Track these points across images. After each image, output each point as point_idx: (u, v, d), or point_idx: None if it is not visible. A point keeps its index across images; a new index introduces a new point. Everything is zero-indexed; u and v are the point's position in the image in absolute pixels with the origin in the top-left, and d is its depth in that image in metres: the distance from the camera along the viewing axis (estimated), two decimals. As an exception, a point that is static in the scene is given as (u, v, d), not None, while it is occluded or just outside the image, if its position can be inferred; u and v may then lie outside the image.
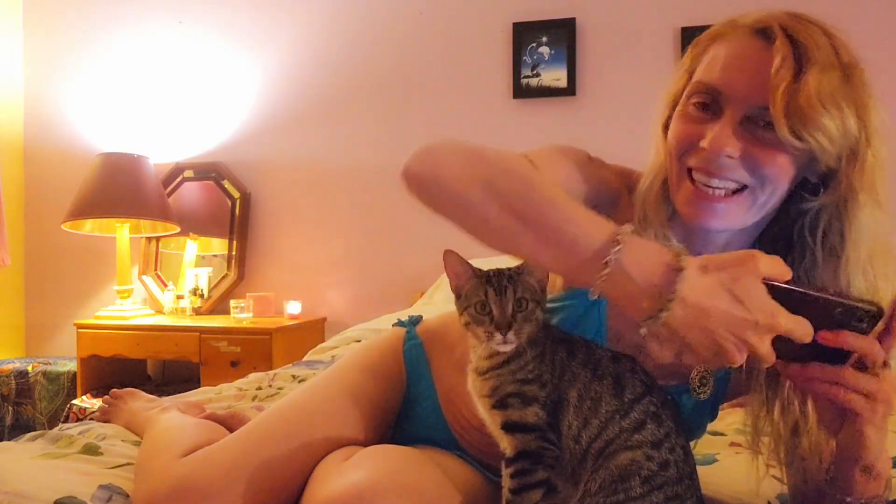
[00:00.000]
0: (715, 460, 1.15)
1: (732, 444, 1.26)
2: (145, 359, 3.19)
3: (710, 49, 0.83)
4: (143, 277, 3.32)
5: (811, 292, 0.68)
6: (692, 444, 0.91)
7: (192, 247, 3.26)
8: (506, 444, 0.79)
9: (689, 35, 2.60)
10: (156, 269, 3.34)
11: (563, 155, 0.90)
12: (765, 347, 0.65)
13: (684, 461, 0.76)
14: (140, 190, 2.96)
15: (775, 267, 0.67)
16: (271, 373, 1.85)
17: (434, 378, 1.06)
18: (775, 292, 0.65)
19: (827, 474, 0.78)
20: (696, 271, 0.65)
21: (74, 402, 2.82)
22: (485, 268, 0.82)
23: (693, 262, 0.65)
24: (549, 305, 0.94)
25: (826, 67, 0.74)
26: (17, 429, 2.90)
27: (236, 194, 3.20)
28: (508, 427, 0.79)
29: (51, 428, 1.30)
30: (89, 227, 3.12)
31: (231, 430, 1.07)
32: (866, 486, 0.75)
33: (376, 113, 3.10)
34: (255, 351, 2.74)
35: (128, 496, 0.93)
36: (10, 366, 3.03)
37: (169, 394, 1.58)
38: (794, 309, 0.65)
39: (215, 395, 1.62)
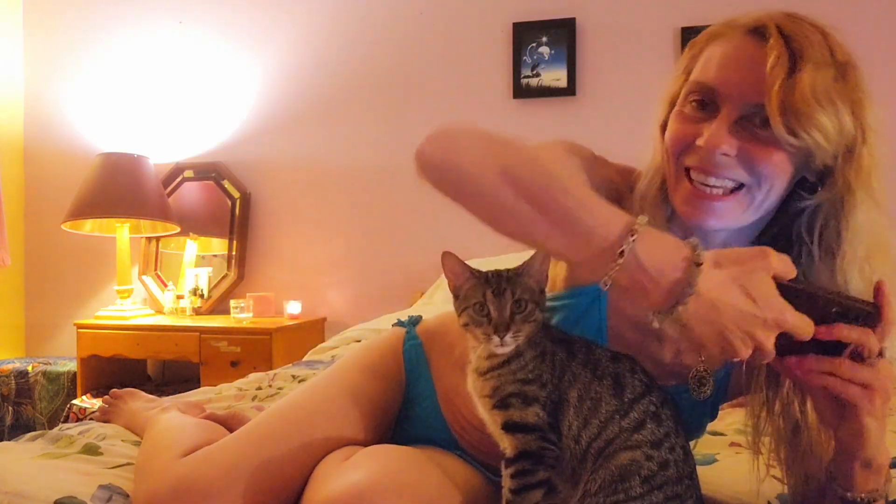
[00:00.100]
0: (715, 460, 1.15)
1: (732, 444, 1.26)
2: (145, 359, 3.19)
3: (706, 49, 0.84)
4: (143, 277, 3.32)
5: (811, 290, 0.69)
6: (692, 444, 0.91)
7: (192, 247, 3.26)
8: (506, 445, 0.79)
9: (689, 35, 2.59)
10: (156, 269, 3.34)
11: (568, 151, 0.90)
12: (770, 343, 0.66)
13: (684, 461, 0.76)
14: (140, 190, 2.96)
15: (784, 265, 0.67)
16: (271, 373, 1.85)
17: (434, 378, 1.06)
18: (780, 289, 0.66)
19: (827, 471, 0.79)
20: (710, 265, 0.65)
21: (74, 402, 2.82)
22: (483, 269, 0.82)
23: (708, 256, 0.66)
24: (549, 304, 0.94)
25: (821, 65, 0.74)
26: (17, 429, 2.90)
27: (236, 194, 3.20)
28: (509, 427, 0.79)
29: (51, 428, 1.30)
30: (89, 227, 3.12)
31: (231, 430, 1.07)
32: (866, 480, 0.75)
33: (376, 113, 3.10)
34: (255, 351, 2.74)
35: (128, 496, 0.93)
36: (10, 366, 3.03)
37: (169, 394, 1.58)
38: (793, 306, 0.66)
39: (215, 395, 1.62)
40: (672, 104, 0.87)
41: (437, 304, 2.51)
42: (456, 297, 0.83)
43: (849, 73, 0.77)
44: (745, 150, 0.78)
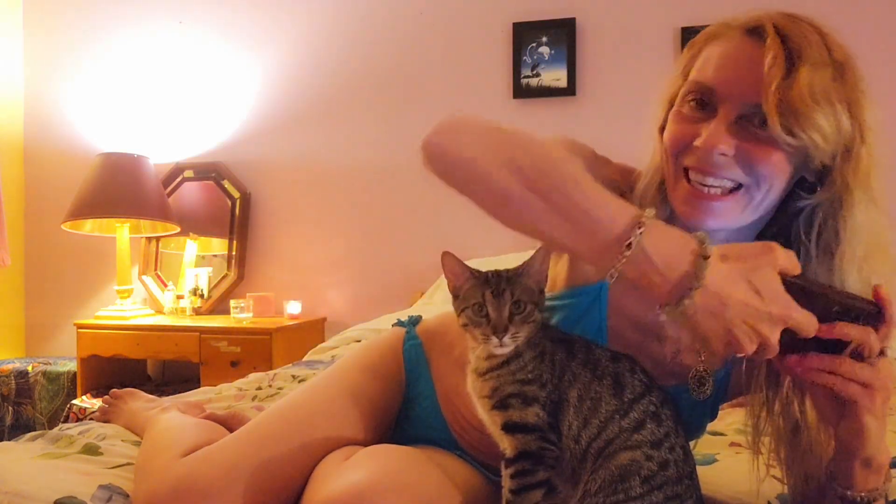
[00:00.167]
0: (715, 460, 1.15)
1: (732, 444, 1.26)
2: (145, 359, 3.19)
3: (704, 50, 0.84)
4: (143, 277, 3.32)
5: (814, 288, 0.69)
6: (692, 444, 0.91)
7: (192, 247, 3.26)
8: (506, 445, 0.79)
9: (689, 35, 2.58)
10: (156, 269, 3.34)
11: (569, 149, 0.90)
12: (775, 339, 0.66)
13: (684, 461, 0.76)
14: (140, 190, 2.96)
15: (790, 261, 0.68)
16: (271, 373, 1.85)
17: (433, 378, 1.06)
18: (783, 285, 0.66)
19: (827, 470, 0.79)
20: (717, 259, 0.65)
21: (74, 402, 2.82)
22: (483, 269, 0.82)
23: (714, 250, 0.66)
24: (549, 304, 0.94)
25: (818, 65, 0.74)
26: (17, 429, 2.90)
27: (236, 194, 3.20)
28: (509, 428, 0.79)
29: (51, 428, 1.30)
30: (89, 227, 3.12)
31: (231, 430, 1.07)
32: (866, 479, 0.75)
33: (376, 113, 3.10)
34: (255, 351, 2.74)
35: (128, 496, 0.93)
36: (10, 366, 3.03)
37: (169, 394, 1.58)
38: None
39: (215, 395, 1.62)
40: (671, 104, 0.87)
41: (437, 304, 2.51)
42: (455, 297, 0.83)
43: (847, 73, 0.76)
44: (743, 150, 0.78)
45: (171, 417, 1.16)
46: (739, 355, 0.67)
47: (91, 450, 1.08)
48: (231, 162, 3.25)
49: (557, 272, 0.98)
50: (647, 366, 0.83)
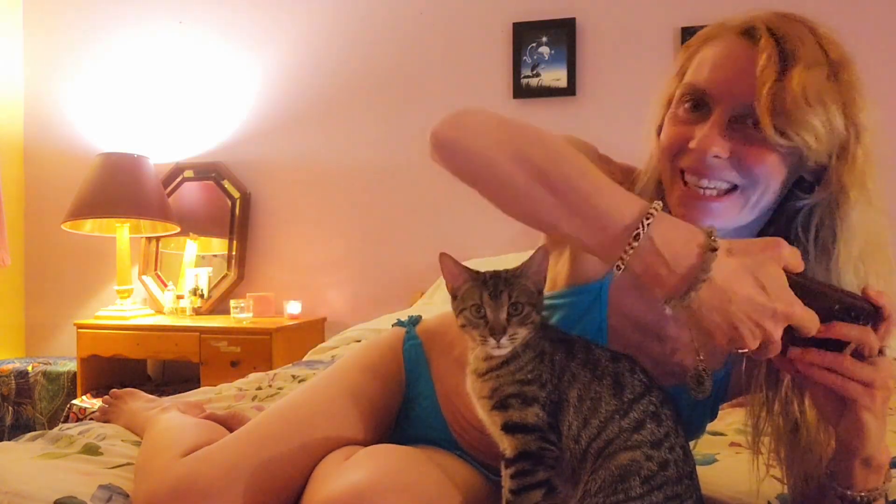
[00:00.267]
0: (715, 460, 1.15)
1: (732, 444, 1.26)
2: (145, 359, 3.19)
3: (700, 51, 0.84)
4: (143, 277, 3.32)
5: (816, 286, 0.70)
6: (692, 444, 0.91)
7: (192, 247, 3.26)
8: (506, 445, 0.79)
9: (689, 35, 2.56)
10: (156, 269, 3.35)
11: (574, 146, 0.90)
12: (778, 335, 0.66)
13: (684, 461, 0.76)
14: (140, 190, 2.96)
15: (795, 257, 0.68)
16: (271, 373, 1.85)
17: (433, 378, 1.06)
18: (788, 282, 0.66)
19: (827, 470, 0.79)
20: (724, 253, 0.65)
21: (74, 402, 2.82)
22: (483, 269, 0.82)
23: (722, 243, 0.66)
24: (550, 302, 0.94)
25: (811, 65, 0.74)
26: (17, 429, 2.90)
27: (236, 194, 3.20)
28: (509, 428, 0.78)
29: (51, 428, 1.30)
30: (89, 227, 3.12)
31: (231, 430, 1.07)
32: (866, 478, 0.75)
33: (376, 113, 3.10)
34: (255, 351, 2.74)
35: (128, 496, 0.93)
36: (10, 366, 3.03)
37: (169, 394, 1.58)
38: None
39: (215, 395, 1.62)
40: (668, 106, 0.87)
41: (437, 305, 2.51)
42: (454, 297, 0.83)
43: (842, 73, 0.76)
44: (737, 152, 0.78)
45: (171, 417, 1.16)
46: (741, 351, 0.67)
47: (91, 450, 1.08)
48: (231, 162, 3.25)
49: (559, 271, 0.98)
50: (647, 365, 0.82)
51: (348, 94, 3.13)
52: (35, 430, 1.21)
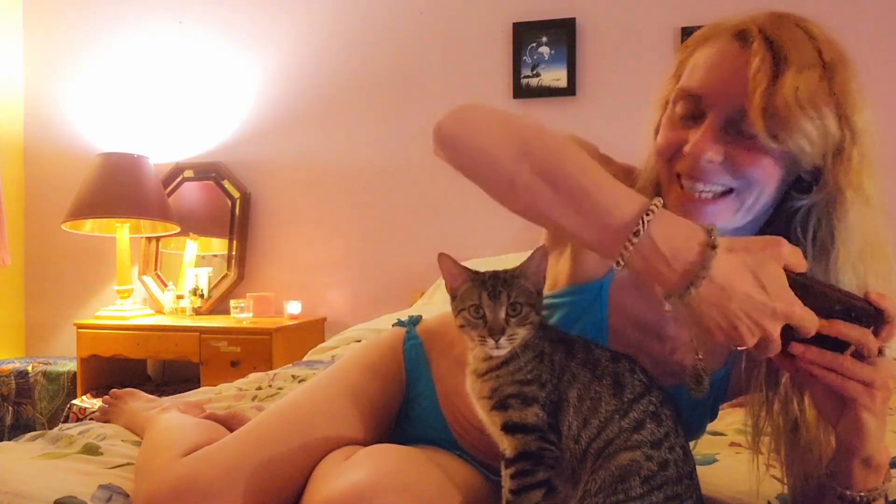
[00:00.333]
0: (715, 460, 1.15)
1: (732, 444, 1.26)
2: (145, 359, 3.19)
3: (695, 53, 0.84)
4: (143, 277, 3.32)
5: (816, 285, 0.70)
6: (692, 444, 0.91)
7: (192, 247, 3.26)
8: (506, 445, 0.79)
9: (688, 35, 2.59)
10: (156, 269, 3.35)
11: (576, 144, 0.90)
12: (777, 334, 0.66)
13: (684, 461, 0.76)
14: (140, 190, 2.97)
15: (796, 256, 0.68)
16: (271, 373, 1.85)
17: (433, 378, 1.06)
18: (787, 281, 0.66)
19: (827, 469, 0.79)
20: (724, 251, 0.65)
21: (74, 402, 2.82)
22: (482, 269, 0.82)
23: (722, 241, 0.66)
24: (550, 301, 0.94)
25: (804, 67, 0.74)
26: (17, 429, 2.90)
27: (236, 194, 3.20)
28: (509, 428, 0.78)
29: (51, 428, 1.30)
30: (89, 227, 3.12)
31: (231, 430, 1.07)
32: (866, 478, 0.75)
33: (376, 113, 3.10)
34: (255, 351, 2.74)
35: (128, 496, 0.93)
36: (10, 366, 3.03)
37: (169, 394, 1.58)
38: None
39: (215, 395, 1.62)
40: (664, 107, 0.87)
41: (437, 305, 2.51)
42: (453, 298, 0.83)
43: (837, 73, 0.76)
44: (731, 156, 0.78)
45: (171, 417, 1.16)
46: (740, 349, 0.67)
47: (91, 450, 1.08)
48: (231, 162, 3.25)
49: (559, 270, 0.98)
50: (646, 365, 0.83)
51: (348, 94, 3.13)
52: (35, 430, 1.21)
